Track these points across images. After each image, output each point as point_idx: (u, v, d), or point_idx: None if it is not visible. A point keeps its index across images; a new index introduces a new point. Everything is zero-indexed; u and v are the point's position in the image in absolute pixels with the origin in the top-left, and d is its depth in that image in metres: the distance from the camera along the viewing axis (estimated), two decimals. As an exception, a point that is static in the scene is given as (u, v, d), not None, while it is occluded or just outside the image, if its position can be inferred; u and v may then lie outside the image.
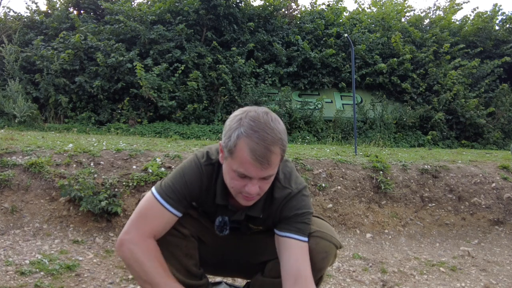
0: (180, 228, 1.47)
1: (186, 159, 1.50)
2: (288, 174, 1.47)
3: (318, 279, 1.57)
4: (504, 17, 9.70)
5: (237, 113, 1.29)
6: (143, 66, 6.90)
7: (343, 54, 8.40)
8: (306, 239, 1.42)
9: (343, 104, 8.33)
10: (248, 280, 1.87)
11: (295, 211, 1.43)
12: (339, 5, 9.56)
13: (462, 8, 13.32)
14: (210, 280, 1.81)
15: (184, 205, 1.42)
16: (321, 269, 1.52)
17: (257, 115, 1.25)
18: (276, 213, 1.46)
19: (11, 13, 8.35)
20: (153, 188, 1.43)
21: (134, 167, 3.17)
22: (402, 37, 8.78)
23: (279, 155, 1.25)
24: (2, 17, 8.20)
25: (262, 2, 8.59)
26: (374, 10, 10.58)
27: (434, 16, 10.28)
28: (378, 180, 3.58)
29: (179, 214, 1.41)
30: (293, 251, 1.39)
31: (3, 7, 10.42)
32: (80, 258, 2.41)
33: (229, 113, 6.73)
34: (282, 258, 1.41)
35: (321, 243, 1.47)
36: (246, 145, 1.21)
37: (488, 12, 9.69)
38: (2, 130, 5.27)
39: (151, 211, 1.39)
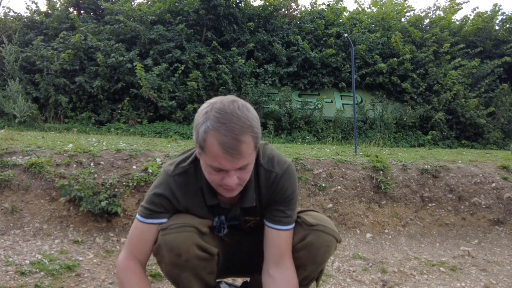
0: (209, 247, 1.45)
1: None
2: (271, 156, 1.46)
3: (319, 272, 1.60)
4: (504, 17, 9.70)
5: (204, 106, 1.25)
6: (143, 66, 6.90)
7: (343, 54, 8.40)
8: (290, 226, 1.49)
9: (343, 104, 8.33)
10: (245, 279, 1.87)
11: (281, 194, 1.45)
12: (339, 5, 9.56)
13: (462, 8, 13.35)
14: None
15: (158, 212, 1.43)
16: (322, 262, 1.54)
17: (223, 105, 1.21)
18: (266, 199, 1.47)
19: (11, 13, 8.37)
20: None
21: (134, 167, 3.17)
22: (402, 37, 8.77)
23: (250, 143, 1.21)
24: (2, 17, 8.21)
25: (262, 2, 8.59)
26: (374, 10, 10.58)
27: (434, 16, 10.28)
28: (378, 180, 3.58)
29: (159, 221, 1.44)
30: (276, 240, 1.48)
31: (3, 7, 10.48)
32: (80, 258, 2.41)
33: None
34: (266, 245, 1.50)
35: (323, 237, 1.49)
36: (215, 139, 1.18)
37: (488, 12, 9.69)
38: (2, 130, 5.27)
39: (134, 230, 1.47)
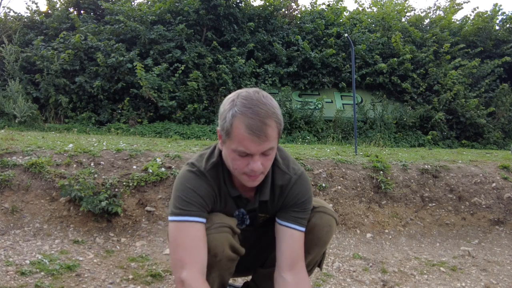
0: (239, 248, 1.46)
1: (178, 176, 1.44)
2: (286, 159, 1.51)
3: (321, 255, 1.65)
4: (504, 17, 9.71)
5: (229, 96, 1.33)
6: (143, 66, 6.91)
7: (343, 54, 8.40)
8: (303, 228, 1.49)
9: (343, 104, 8.33)
10: (245, 280, 1.87)
11: (297, 199, 1.48)
12: (339, 5, 9.57)
13: (462, 8, 13.30)
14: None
15: (200, 209, 1.38)
16: (325, 243, 1.59)
17: (248, 94, 1.28)
18: (279, 200, 1.49)
19: (11, 13, 8.38)
20: (168, 217, 1.39)
21: (134, 167, 3.17)
22: (402, 37, 8.77)
23: (275, 129, 1.27)
24: (2, 17, 8.22)
25: (262, 2, 8.59)
26: (375, 10, 10.59)
27: (434, 16, 10.28)
28: (378, 180, 3.58)
29: (203, 220, 1.38)
30: (290, 241, 1.46)
31: (3, 7, 10.48)
32: (81, 258, 2.41)
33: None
34: (279, 245, 1.48)
35: (325, 217, 1.55)
36: (242, 122, 1.24)
37: (488, 12, 9.70)
38: (3, 130, 5.27)
39: (178, 236, 1.35)
